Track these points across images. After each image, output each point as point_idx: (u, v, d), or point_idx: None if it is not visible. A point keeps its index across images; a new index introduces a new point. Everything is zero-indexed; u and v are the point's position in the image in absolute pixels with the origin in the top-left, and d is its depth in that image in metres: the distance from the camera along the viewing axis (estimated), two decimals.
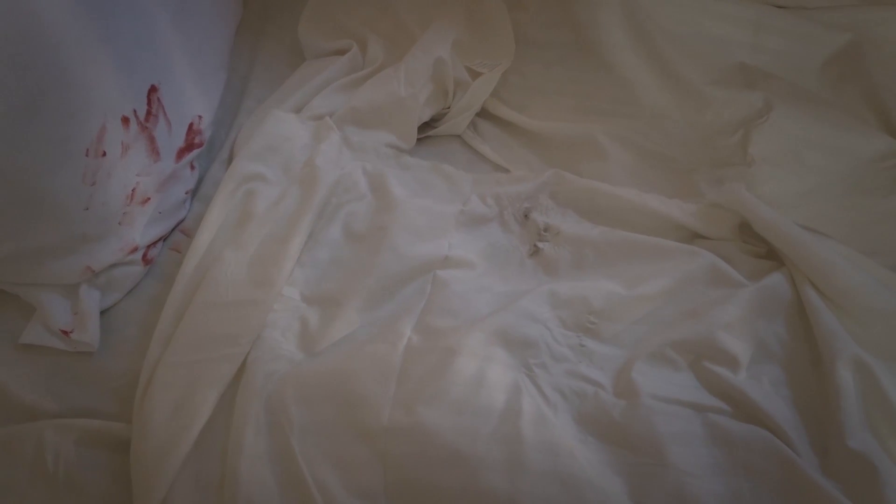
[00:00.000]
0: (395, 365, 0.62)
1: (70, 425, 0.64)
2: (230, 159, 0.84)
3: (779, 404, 0.60)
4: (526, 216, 0.76)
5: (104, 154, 0.71)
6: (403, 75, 0.83)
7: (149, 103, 0.76)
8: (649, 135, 0.82)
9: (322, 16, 0.95)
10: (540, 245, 0.74)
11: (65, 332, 0.71)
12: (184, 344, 0.64)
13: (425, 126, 0.88)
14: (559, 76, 0.90)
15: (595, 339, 0.66)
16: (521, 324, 0.65)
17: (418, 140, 0.86)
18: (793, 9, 0.86)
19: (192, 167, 0.83)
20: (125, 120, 0.73)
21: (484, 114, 0.89)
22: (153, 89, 0.77)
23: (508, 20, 0.90)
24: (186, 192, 0.81)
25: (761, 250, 0.72)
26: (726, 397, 0.61)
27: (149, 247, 0.77)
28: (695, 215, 0.72)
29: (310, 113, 0.83)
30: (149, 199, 0.76)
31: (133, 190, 0.74)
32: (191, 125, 0.82)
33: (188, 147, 0.81)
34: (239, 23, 0.99)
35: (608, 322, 0.66)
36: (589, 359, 0.65)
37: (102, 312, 0.73)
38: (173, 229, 0.80)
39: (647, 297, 0.67)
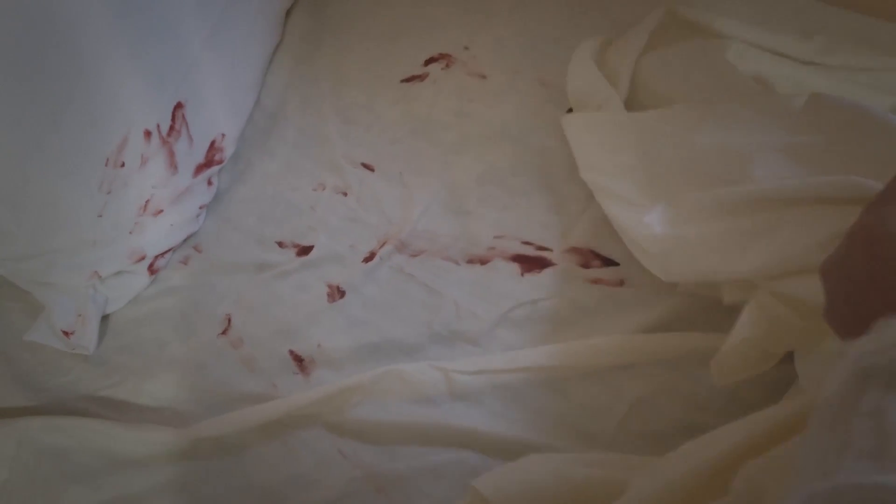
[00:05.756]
0: None
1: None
2: None
3: None
4: None
5: (123, 165, 0.73)
6: None
7: (173, 119, 0.78)
8: None
9: None
10: None
11: (66, 333, 0.73)
12: None
13: None
14: None
15: None
16: None
17: None
18: None
19: (210, 183, 0.85)
20: (147, 133, 0.75)
21: None
22: (179, 105, 0.79)
23: None
24: (201, 207, 0.83)
25: None
26: None
27: (156, 257, 0.78)
28: None
29: None
30: (162, 210, 0.78)
31: (147, 201, 0.76)
32: (213, 142, 0.84)
33: (207, 163, 0.83)
34: (278, 45, 1.01)
35: None
36: None
37: (103, 318, 0.76)
38: (184, 242, 0.82)
39: None
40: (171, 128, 0.78)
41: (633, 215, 0.72)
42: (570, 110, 0.88)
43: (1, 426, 0.66)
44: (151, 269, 0.78)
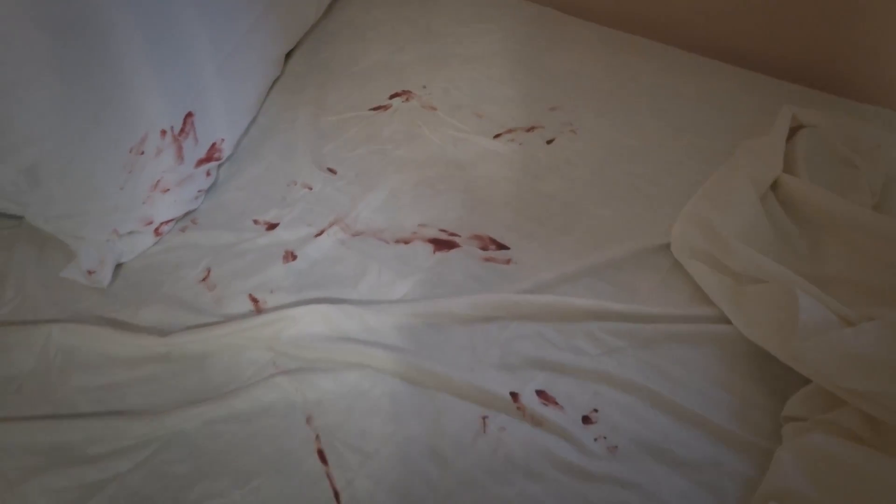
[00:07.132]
0: None
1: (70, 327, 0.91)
2: None
3: None
4: None
5: (142, 153, 0.99)
6: None
7: (184, 124, 1.05)
8: None
9: None
10: None
11: (89, 272, 0.98)
12: None
13: None
14: None
15: None
16: None
17: None
18: None
19: (209, 174, 1.10)
20: (163, 132, 1.01)
21: None
22: (189, 115, 1.05)
23: None
24: (199, 191, 1.08)
25: None
26: None
27: (162, 224, 1.04)
28: None
29: None
30: (168, 189, 1.03)
31: (157, 181, 1.02)
32: (214, 144, 1.10)
33: (207, 159, 1.09)
34: (277, 79, 1.28)
35: None
36: None
37: (117, 265, 1.01)
38: (184, 216, 1.07)
39: None
40: (182, 130, 1.05)
41: None
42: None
43: (35, 329, 0.90)
44: (157, 232, 1.03)
